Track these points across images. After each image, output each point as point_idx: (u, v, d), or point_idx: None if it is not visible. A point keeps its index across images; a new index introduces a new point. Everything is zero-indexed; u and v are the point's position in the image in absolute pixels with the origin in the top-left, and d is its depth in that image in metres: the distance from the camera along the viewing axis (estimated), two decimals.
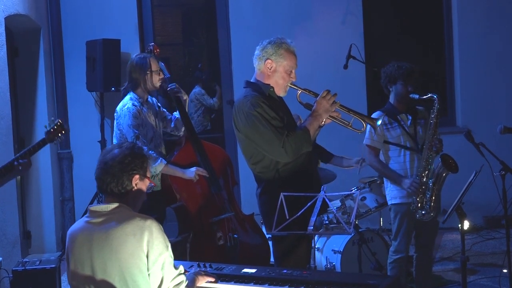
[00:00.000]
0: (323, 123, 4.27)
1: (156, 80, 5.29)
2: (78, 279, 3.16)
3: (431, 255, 5.34)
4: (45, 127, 4.51)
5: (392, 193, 5.16)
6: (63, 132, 4.54)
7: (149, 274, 3.08)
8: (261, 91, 4.24)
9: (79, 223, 3.26)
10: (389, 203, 5.22)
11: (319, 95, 4.23)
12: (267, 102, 4.18)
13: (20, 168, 4.33)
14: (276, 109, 4.21)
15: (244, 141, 4.28)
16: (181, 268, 3.24)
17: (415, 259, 5.27)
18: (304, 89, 4.28)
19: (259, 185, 4.38)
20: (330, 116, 4.25)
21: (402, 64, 5.12)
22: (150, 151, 4.98)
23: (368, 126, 4.66)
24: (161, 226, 3.17)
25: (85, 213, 3.35)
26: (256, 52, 4.32)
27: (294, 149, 4.12)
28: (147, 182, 3.29)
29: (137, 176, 3.22)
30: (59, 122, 4.53)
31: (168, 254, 3.15)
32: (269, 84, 4.27)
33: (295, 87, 4.29)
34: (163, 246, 3.12)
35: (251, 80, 4.35)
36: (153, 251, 3.08)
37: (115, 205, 3.17)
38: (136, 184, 3.22)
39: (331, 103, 4.19)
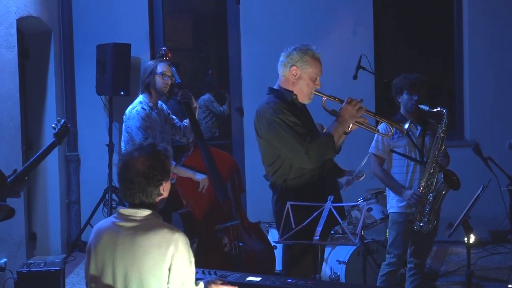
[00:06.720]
0: (349, 129, 4.24)
1: (161, 84, 5.29)
2: (97, 282, 3.11)
3: (424, 268, 5.26)
4: (53, 128, 4.54)
5: (392, 202, 5.16)
6: (68, 132, 4.59)
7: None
8: (284, 98, 4.22)
9: (107, 221, 3.20)
10: (388, 211, 5.24)
11: (344, 101, 4.20)
12: (290, 109, 4.16)
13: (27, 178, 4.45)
14: (299, 116, 4.18)
15: (265, 147, 4.25)
16: (201, 285, 3.19)
17: (408, 270, 5.21)
18: (329, 96, 4.25)
19: (274, 192, 4.35)
20: (356, 121, 4.21)
21: (409, 75, 5.14)
22: None
23: (375, 135, 4.66)
24: (188, 240, 3.12)
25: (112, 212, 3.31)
26: (281, 58, 4.28)
27: (318, 155, 4.10)
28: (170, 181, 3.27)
29: (163, 183, 3.17)
30: (65, 123, 4.56)
31: (191, 270, 3.10)
32: (292, 91, 4.24)
33: (320, 94, 4.26)
34: (186, 262, 3.07)
35: (274, 87, 4.32)
36: (176, 265, 3.03)
37: (147, 212, 3.12)
38: (163, 189, 3.17)
39: (356, 108, 4.16)
